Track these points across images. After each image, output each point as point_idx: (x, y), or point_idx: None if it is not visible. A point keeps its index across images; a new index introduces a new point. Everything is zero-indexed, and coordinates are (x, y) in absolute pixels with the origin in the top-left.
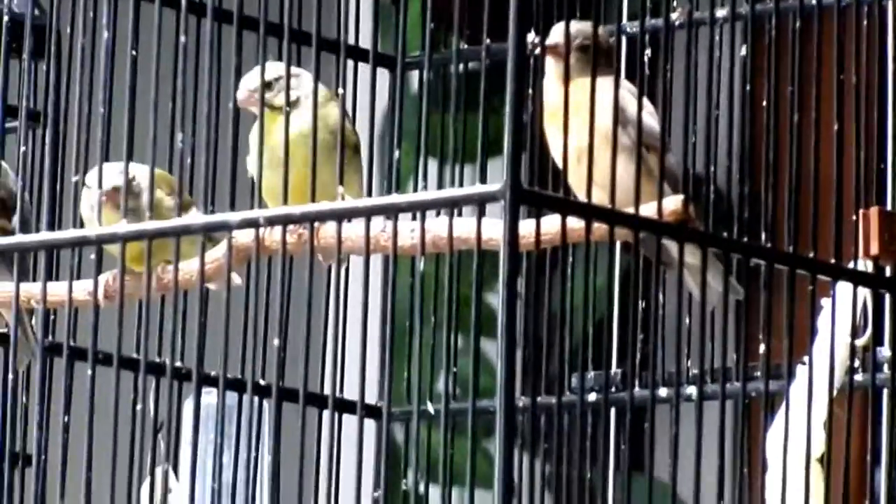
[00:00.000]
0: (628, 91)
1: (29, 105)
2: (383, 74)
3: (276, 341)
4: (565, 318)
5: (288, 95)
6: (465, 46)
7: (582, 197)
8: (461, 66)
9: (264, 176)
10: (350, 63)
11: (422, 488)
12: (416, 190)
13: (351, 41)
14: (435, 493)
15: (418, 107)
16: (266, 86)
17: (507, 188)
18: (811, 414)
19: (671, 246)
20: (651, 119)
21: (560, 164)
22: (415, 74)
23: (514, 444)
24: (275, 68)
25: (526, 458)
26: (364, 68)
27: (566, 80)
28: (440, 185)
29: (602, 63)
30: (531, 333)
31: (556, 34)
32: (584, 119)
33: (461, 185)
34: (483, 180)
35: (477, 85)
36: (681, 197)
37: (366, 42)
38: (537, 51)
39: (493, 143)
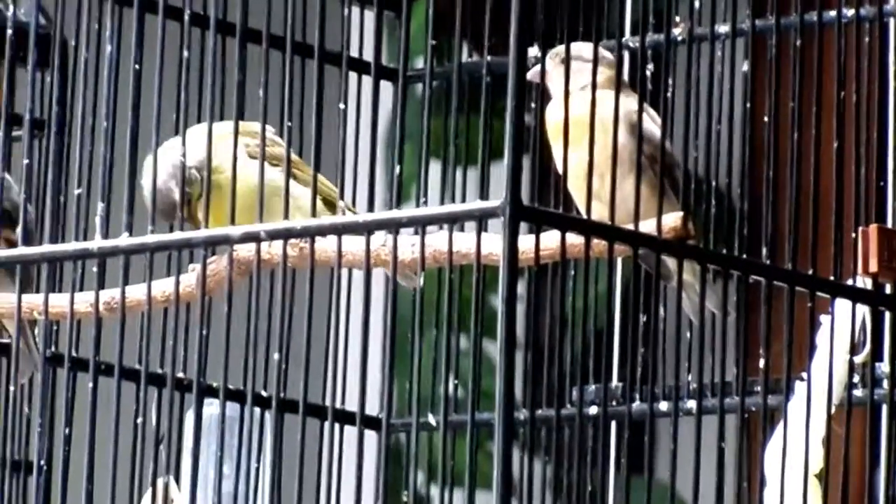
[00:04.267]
0: (636, 103)
1: (33, 114)
2: (387, 85)
3: (276, 355)
4: (565, 331)
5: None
6: (468, 59)
7: (584, 210)
8: (466, 75)
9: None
10: (353, 75)
11: (425, 493)
12: (418, 198)
13: (354, 54)
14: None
15: (421, 114)
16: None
17: (506, 204)
18: (809, 430)
19: (670, 262)
20: (656, 130)
21: (566, 180)
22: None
23: (512, 453)
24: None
25: (526, 463)
26: (368, 80)
27: (566, 96)
28: (443, 189)
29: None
30: (531, 341)
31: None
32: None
33: (464, 187)
34: (484, 193)
35: (482, 89)
36: (680, 213)
37: (369, 54)
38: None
39: (497, 147)
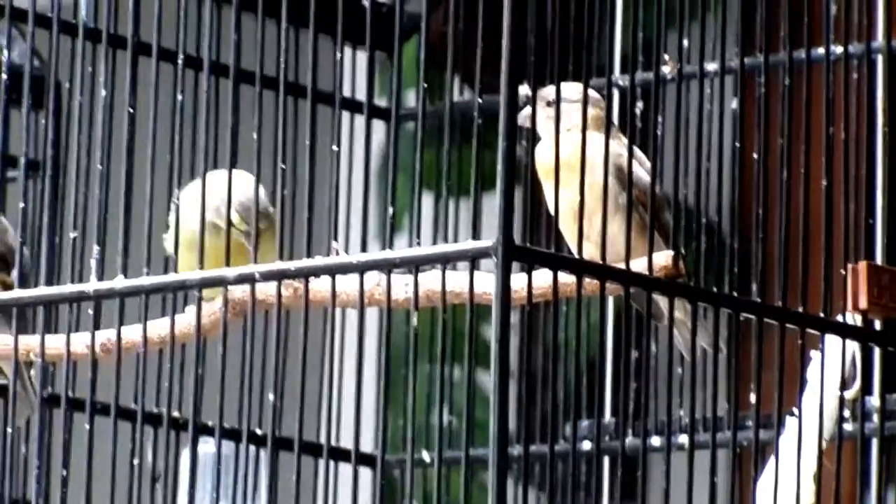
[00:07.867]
0: (624, 147)
1: (28, 155)
2: (380, 122)
3: (271, 396)
4: (558, 364)
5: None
6: (459, 97)
7: (576, 249)
8: (458, 113)
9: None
10: (346, 115)
11: None
12: (411, 234)
13: (347, 94)
14: None
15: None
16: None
17: (499, 244)
18: (801, 464)
19: (661, 300)
20: (646, 175)
21: (557, 219)
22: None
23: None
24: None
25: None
26: (360, 120)
27: (557, 136)
28: (436, 219)
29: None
30: (524, 371)
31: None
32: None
33: (457, 216)
34: (476, 232)
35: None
36: (671, 252)
37: (362, 94)
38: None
39: (489, 176)
